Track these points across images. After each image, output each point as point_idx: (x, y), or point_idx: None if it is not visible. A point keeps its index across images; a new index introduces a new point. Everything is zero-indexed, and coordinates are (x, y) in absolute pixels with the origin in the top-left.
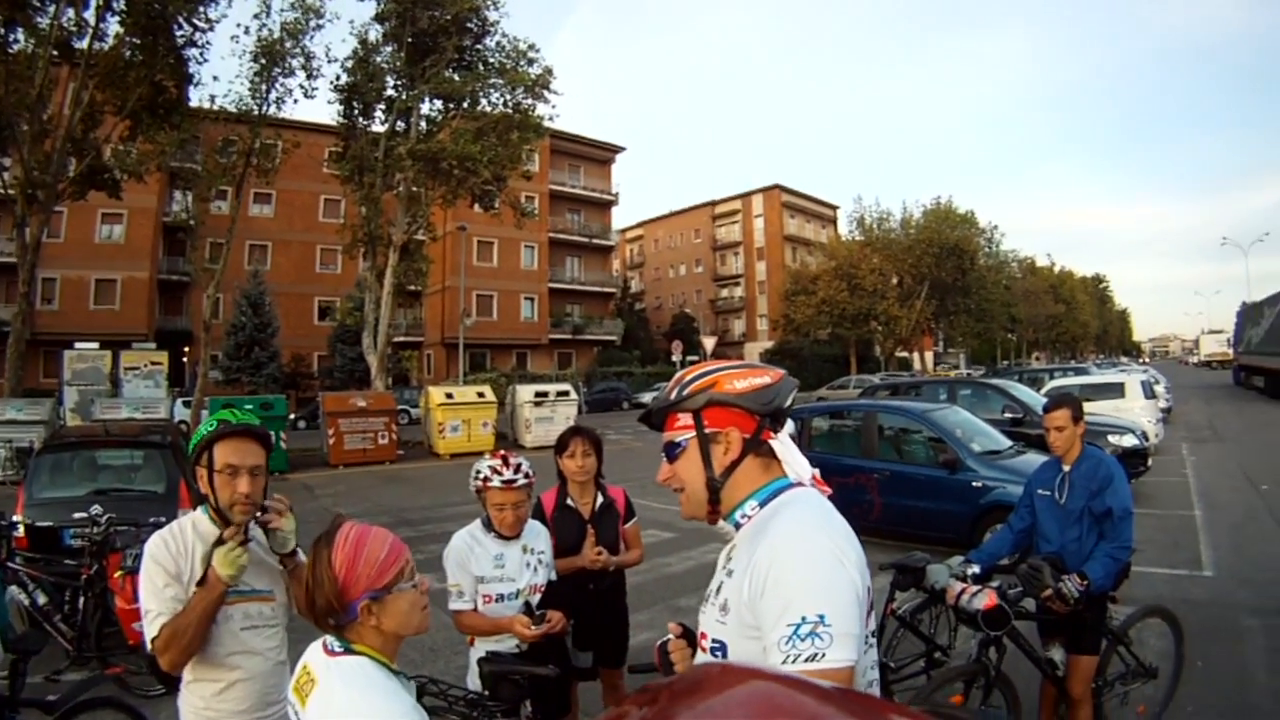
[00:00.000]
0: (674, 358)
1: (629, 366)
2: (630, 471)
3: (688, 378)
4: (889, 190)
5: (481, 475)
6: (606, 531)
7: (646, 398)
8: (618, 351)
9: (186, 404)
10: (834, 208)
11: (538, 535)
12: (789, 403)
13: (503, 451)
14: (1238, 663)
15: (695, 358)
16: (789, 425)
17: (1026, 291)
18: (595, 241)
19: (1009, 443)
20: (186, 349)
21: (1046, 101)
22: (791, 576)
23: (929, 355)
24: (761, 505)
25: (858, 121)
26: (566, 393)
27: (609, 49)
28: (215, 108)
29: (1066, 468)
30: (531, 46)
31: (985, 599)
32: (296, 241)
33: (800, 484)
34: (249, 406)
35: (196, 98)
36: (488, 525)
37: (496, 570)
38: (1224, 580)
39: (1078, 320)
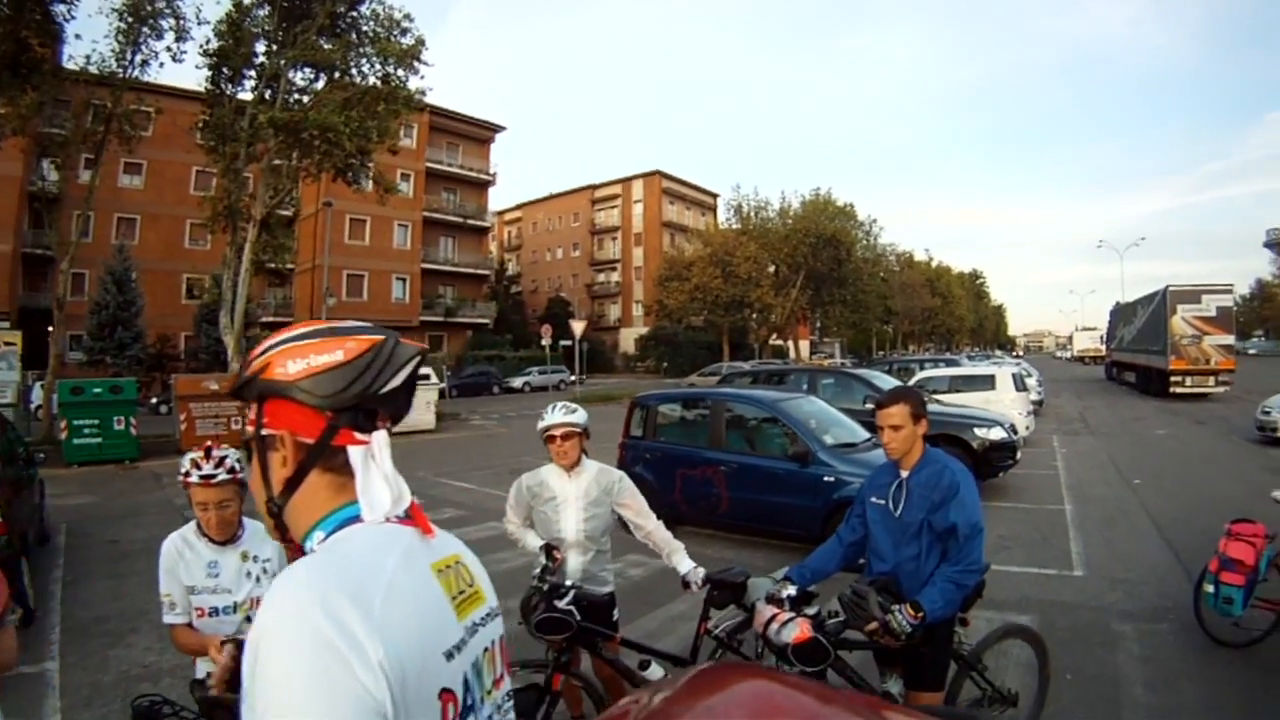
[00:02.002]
0: (543, 342)
1: (501, 350)
2: (491, 458)
3: (253, 353)
4: (773, 181)
5: (183, 470)
6: None
7: (517, 382)
8: (490, 335)
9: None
10: (714, 196)
11: (262, 540)
12: (395, 383)
13: (209, 442)
14: (1110, 674)
15: (567, 343)
16: (381, 437)
17: (903, 284)
18: (471, 222)
19: (866, 434)
20: (50, 328)
21: (934, 102)
22: (267, 665)
23: (804, 344)
24: (328, 538)
25: (744, 112)
26: (426, 376)
27: (496, 27)
28: (76, 68)
29: (904, 473)
30: (406, 16)
31: (796, 630)
32: (166, 215)
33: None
34: (98, 390)
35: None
36: (201, 528)
37: (210, 579)
38: (1094, 581)
39: (954, 314)
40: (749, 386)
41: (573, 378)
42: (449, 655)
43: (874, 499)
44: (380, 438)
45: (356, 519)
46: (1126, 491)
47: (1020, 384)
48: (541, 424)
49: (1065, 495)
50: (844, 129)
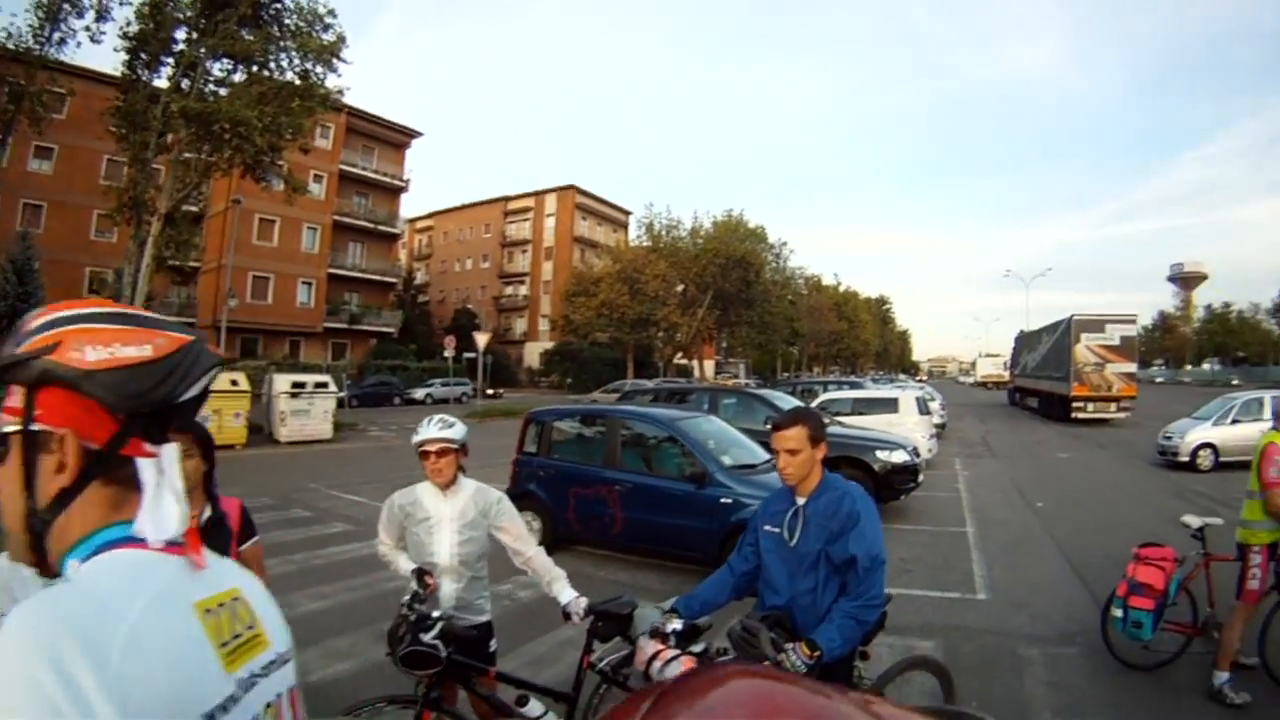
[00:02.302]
0: (446, 353)
1: (405, 360)
2: (386, 471)
3: (31, 324)
4: (688, 201)
5: None
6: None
7: (419, 394)
8: (394, 344)
9: None
10: (627, 213)
11: None
12: (194, 392)
13: None
14: (1017, 701)
15: (472, 355)
16: (171, 450)
17: (810, 308)
18: (381, 228)
19: (766, 455)
20: None
21: (853, 129)
22: None
23: (709, 364)
24: (83, 565)
25: (663, 132)
26: (325, 384)
27: (419, 34)
28: None
29: (801, 500)
30: (330, 12)
31: (680, 669)
32: (74, 204)
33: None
34: None
35: None
36: None
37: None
38: (999, 604)
39: (859, 338)
40: (649, 405)
41: (490, 391)
42: (210, 716)
43: (768, 527)
44: (170, 451)
45: (120, 542)
46: (1029, 514)
47: (923, 407)
48: (415, 439)
49: (967, 518)
50: (762, 152)
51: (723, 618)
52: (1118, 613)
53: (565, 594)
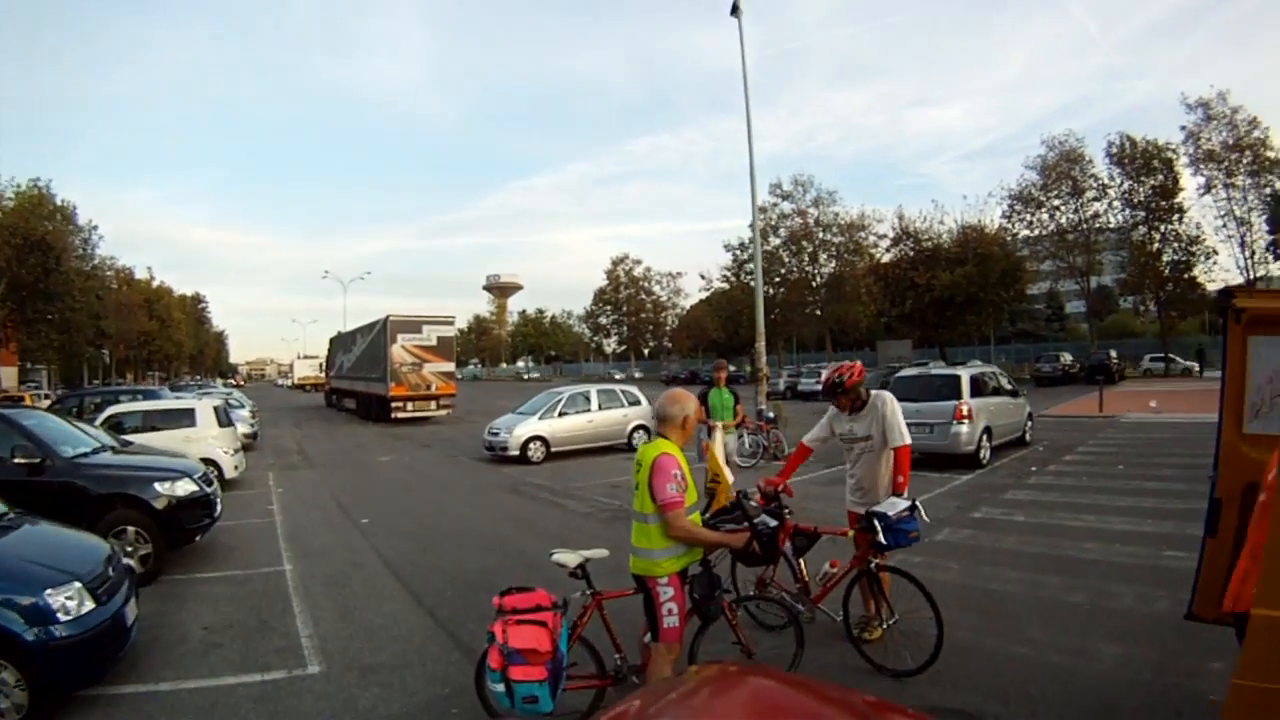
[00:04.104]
0: None
1: None
2: None
3: None
4: (25, 168)
5: None
6: None
7: None
8: None
9: None
10: None
11: None
12: None
13: None
14: None
15: None
16: None
17: (119, 305)
18: None
19: None
20: None
21: (189, 109)
22: None
23: (11, 371)
24: None
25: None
26: None
27: None
28: None
29: None
30: None
31: None
32: None
33: None
34: None
35: None
36: None
37: None
38: (338, 678)
39: (172, 339)
40: None
41: None
42: None
43: None
44: None
45: None
46: (355, 535)
47: (225, 418)
48: None
49: (284, 550)
50: (87, 113)
51: None
52: (498, 688)
53: None
